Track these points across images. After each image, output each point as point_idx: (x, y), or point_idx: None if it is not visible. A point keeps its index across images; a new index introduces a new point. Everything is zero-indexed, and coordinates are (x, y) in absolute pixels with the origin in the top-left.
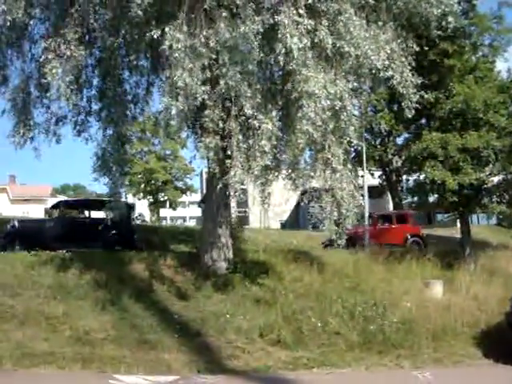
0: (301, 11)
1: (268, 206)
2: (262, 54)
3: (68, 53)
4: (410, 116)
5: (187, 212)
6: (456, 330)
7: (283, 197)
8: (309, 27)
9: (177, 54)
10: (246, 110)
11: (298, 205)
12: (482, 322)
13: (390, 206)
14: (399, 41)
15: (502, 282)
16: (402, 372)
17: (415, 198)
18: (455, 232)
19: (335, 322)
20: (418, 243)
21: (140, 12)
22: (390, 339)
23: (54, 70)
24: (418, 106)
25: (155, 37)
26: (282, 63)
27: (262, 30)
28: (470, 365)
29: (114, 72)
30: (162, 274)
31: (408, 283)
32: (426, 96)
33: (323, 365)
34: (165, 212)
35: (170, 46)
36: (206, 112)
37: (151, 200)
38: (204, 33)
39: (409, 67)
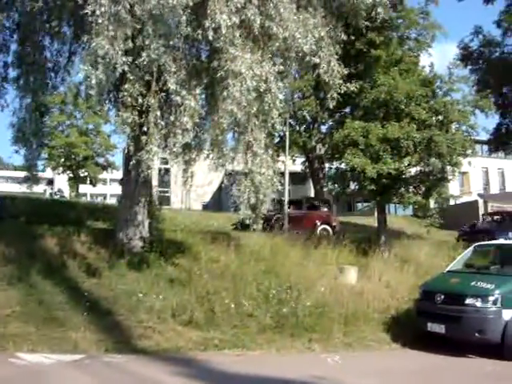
0: None
1: (190, 187)
2: (189, 29)
3: None
4: (331, 106)
5: (108, 189)
6: (367, 316)
7: (206, 178)
8: (238, 5)
9: (100, 21)
10: (169, 85)
11: (220, 187)
12: (393, 309)
13: (312, 193)
14: (328, 28)
15: (413, 270)
16: (313, 355)
17: (335, 186)
18: (373, 221)
19: (249, 303)
20: None
21: None
22: (303, 323)
23: None
24: (343, 95)
25: (79, 1)
26: (209, 40)
27: (191, 4)
28: (378, 349)
29: (34, 38)
30: (74, 250)
31: (323, 268)
32: (351, 87)
33: (235, 346)
34: (85, 188)
35: (93, 12)
36: (126, 86)
37: (71, 175)
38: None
39: (336, 56)
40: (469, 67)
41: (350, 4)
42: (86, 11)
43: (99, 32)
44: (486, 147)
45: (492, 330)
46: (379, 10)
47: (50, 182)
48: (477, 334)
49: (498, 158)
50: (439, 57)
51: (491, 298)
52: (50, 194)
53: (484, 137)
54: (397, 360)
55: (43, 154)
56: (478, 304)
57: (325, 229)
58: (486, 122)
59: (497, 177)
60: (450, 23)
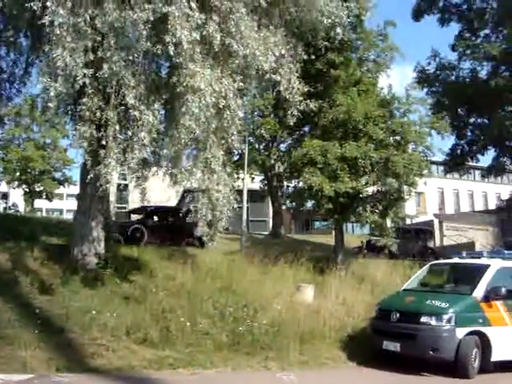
0: (192, 4)
1: (149, 203)
2: (149, 44)
3: None
4: (292, 123)
5: (64, 205)
6: (323, 334)
7: (165, 195)
8: (199, 21)
9: (58, 31)
10: (128, 100)
11: (179, 204)
12: (349, 327)
13: (270, 211)
14: (288, 47)
15: (369, 289)
16: (268, 373)
17: (293, 204)
18: (330, 239)
19: (205, 322)
20: None
21: None
22: (259, 341)
23: None
24: (302, 113)
25: (36, 9)
26: (169, 55)
27: (151, 19)
28: (334, 367)
29: None
30: (27, 266)
31: (280, 286)
32: (311, 105)
33: (189, 365)
34: (40, 203)
35: (52, 22)
36: (84, 100)
37: (26, 190)
38: (89, 11)
39: (296, 74)
40: (425, 89)
41: (309, 23)
42: (44, 21)
43: (58, 43)
44: (441, 168)
45: (446, 347)
46: (338, 30)
47: (4, 196)
48: (431, 352)
49: (453, 179)
50: (397, 78)
51: (445, 317)
52: (4, 208)
53: (440, 158)
54: (352, 378)
55: None
56: (433, 322)
57: (189, 242)
58: (442, 144)
59: (452, 197)
60: (408, 45)
